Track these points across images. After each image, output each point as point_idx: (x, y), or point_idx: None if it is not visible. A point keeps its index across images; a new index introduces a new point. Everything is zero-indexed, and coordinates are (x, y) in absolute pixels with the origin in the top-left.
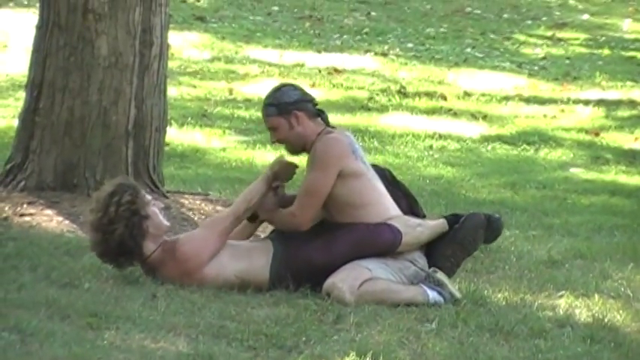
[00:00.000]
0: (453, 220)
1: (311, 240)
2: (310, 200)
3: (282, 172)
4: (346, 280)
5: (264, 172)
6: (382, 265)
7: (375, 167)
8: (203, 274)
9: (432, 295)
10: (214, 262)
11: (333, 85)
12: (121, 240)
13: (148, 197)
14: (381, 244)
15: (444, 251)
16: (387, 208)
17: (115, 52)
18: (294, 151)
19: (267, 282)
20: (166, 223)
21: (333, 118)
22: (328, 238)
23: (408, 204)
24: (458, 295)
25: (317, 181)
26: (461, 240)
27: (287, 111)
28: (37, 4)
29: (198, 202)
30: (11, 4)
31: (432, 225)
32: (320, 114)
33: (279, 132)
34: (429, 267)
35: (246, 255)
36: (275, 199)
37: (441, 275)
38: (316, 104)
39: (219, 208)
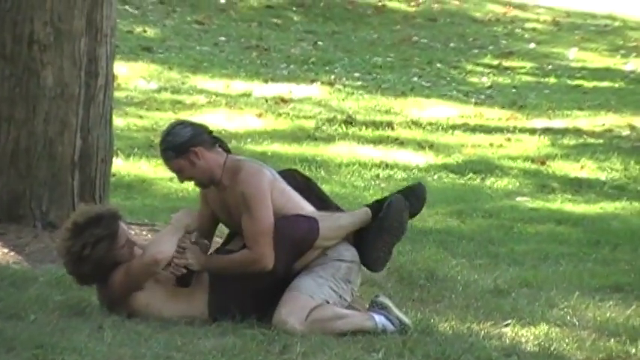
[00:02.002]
0: (376, 208)
1: None
2: (265, 239)
3: (192, 222)
4: (292, 312)
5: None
6: (317, 280)
7: (283, 172)
8: (133, 308)
9: (379, 319)
10: (151, 303)
11: (280, 115)
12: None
13: (123, 227)
14: (299, 232)
15: (375, 244)
16: (301, 207)
17: (61, 83)
18: (204, 185)
19: (208, 316)
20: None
21: (280, 147)
22: None
23: (320, 200)
24: (405, 319)
25: (263, 218)
26: (388, 228)
27: (184, 150)
28: None
29: (144, 232)
30: None
31: (352, 212)
32: (218, 142)
33: (184, 172)
34: (361, 261)
35: (185, 295)
36: (201, 250)
37: (383, 299)
38: (211, 132)
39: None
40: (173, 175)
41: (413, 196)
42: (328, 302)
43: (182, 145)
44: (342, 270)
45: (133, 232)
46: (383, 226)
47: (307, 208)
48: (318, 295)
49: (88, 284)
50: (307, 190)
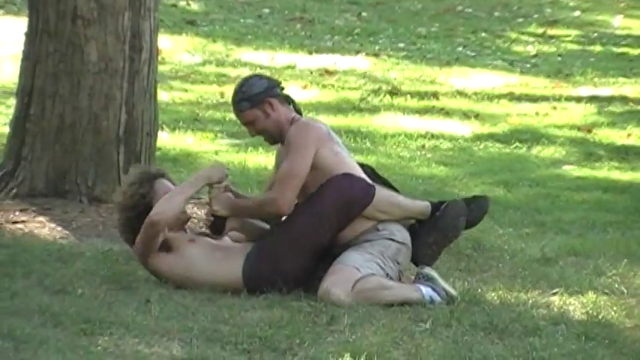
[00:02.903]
0: (436, 206)
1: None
2: (290, 183)
3: (221, 175)
4: (338, 283)
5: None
6: (365, 255)
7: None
8: (160, 269)
9: (426, 290)
10: (183, 259)
11: (325, 87)
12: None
13: (167, 184)
14: (354, 190)
15: (426, 239)
16: (359, 173)
17: (105, 58)
18: (274, 140)
19: (241, 283)
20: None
21: (326, 119)
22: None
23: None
24: (452, 290)
25: (295, 163)
26: (442, 228)
27: (260, 101)
28: (27, 12)
29: (190, 206)
30: (1, 12)
31: (413, 199)
32: (290, 100)
33: (257, 124)
34: (414, 258)
35: (221, 256)
36: (227, 194)
37: (428, 270)
38: (283, 88)
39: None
40: (218, 148)
41: (475, 205)
42: (372, 272)
43: (258, 95)
44: (392, 249)
45: None
46: (437, 225)
47: (364, 175)
48: (364, 268)
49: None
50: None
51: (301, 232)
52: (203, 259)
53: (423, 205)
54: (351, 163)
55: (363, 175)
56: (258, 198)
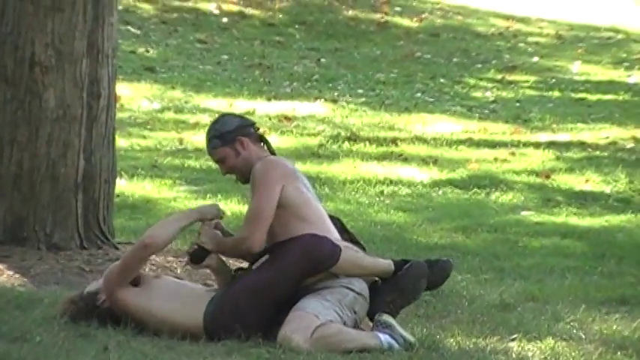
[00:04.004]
0: (399, 265)
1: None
2: (257, 221)
3: (215, 214)
4: (297, 330)
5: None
6: (323, 302)
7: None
8: (124, 301)
9: (384, 337)
10: (148, 291)
11: (284, 133)
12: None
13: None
14: (321, 252)
15: (385, 297)
16: (330, 230)
17: (63, 105)
18: (245, 179)
19: (201, 327)
20: None
21: None
22: (269, 260)
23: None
24: (410, 337)
25: (261, 202)
26: (402, 288)
27: (231, 139)
28: None
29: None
30: None
31: (376, 258)
32: (263, 140)
33: (227, 161)
34: (368, 313)
35: (185, 295)
36: (216, 231)
37: (387, 317)
38: (258, 129)
39: (170, 258)
40: (176, 195)
41: (438, 267)
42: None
43: (229, 133)
44: (349, 298)
45: None
46: (398, 285)
47: (331, 227)
48: (323, 316)
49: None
50: (347, 239)
51: (264, 286)
52: (166, 295)
53: (385, 264)
54: (316, 207)
55: (331, 228)
56: (234, 237)
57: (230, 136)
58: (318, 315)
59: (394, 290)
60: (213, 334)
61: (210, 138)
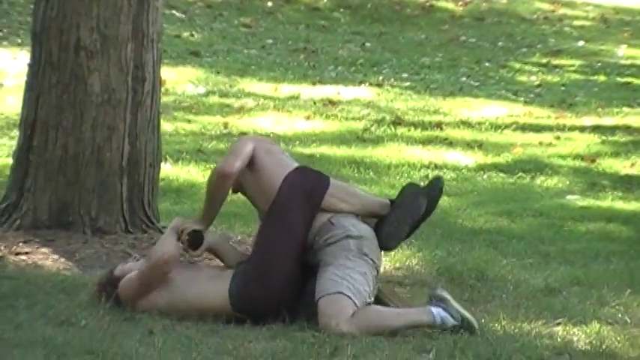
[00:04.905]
0: (394, 201)
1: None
2: (232, 152)
3: (178, 222)
4: (334, 315)
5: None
6: (335, 275)
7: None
8: (148, 306)
9: (437, 311)
10: (167, 291)
11: (329, 117)
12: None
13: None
14: (308, 182)
15: (388, 218)
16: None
17: (108, 89)
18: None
19: (228, 304)
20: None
21: (329, 149)
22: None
23: None
24: (468, 315)
25: (239, 141)
26: (402, 206)
27: None
28: (30, 43)
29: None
30: (5, 43)
31: (371, 194)
32: None
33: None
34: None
35: (205, 278)
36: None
37: (441, 291)
38: None
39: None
40: None
41: (431, 186)
42: (355, 288)
43: None
44: (352, 246)
45: None
46: (398, 206)
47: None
48: (345, 289)
49: None
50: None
51: (275, 239)
52: (186, 283)
53: (381, 199)
54: (289, 161)
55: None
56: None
57: None
58: (341, 291)
59: (395, 210)
60: (241, 311)
61: None
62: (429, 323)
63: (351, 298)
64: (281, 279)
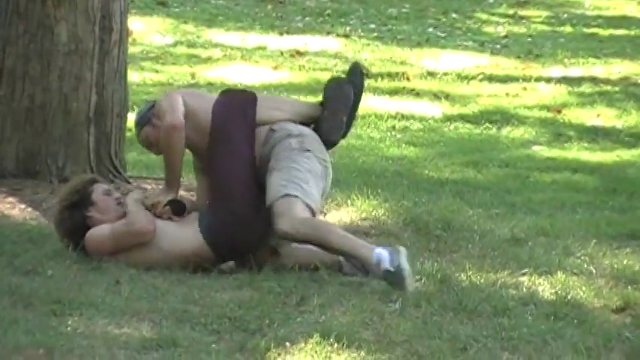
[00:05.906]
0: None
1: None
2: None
3: (135, 194)
4: (280, 215)
5: None
6: (281, 177)
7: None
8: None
9: (379, 251)
10: (139, 250)
11: (296, 68)
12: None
13: (104, 187)
14: (237, 99)
15: (323, 115)
16: None
17: (75, 39)
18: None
19: (204, 245)
20: (118, 209)
21: None
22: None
23: None
24: (406, 266)
25: (168, 94)
26: (329, 99)
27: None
28: None
29: (160, 186)
30: None
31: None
32: None
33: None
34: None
35: (174, 227)
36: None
37: (401, 247)
38: None
39: (181, 192)
40: None
41: (352, 73)
42: (303, 188)
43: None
44: (294, 144)
45: (148, 187)
46: (328, 99)
47: None
48: (292, 190)
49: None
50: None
51: (225, 163)
52: (157, 236)
53: (311, 102)
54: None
55: None
56: None
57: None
58: (288, 193)
59: (326, 106)
60: (218, 245)
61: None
62: (365, 258)
63: (299, 197)
64: (244, 201)
